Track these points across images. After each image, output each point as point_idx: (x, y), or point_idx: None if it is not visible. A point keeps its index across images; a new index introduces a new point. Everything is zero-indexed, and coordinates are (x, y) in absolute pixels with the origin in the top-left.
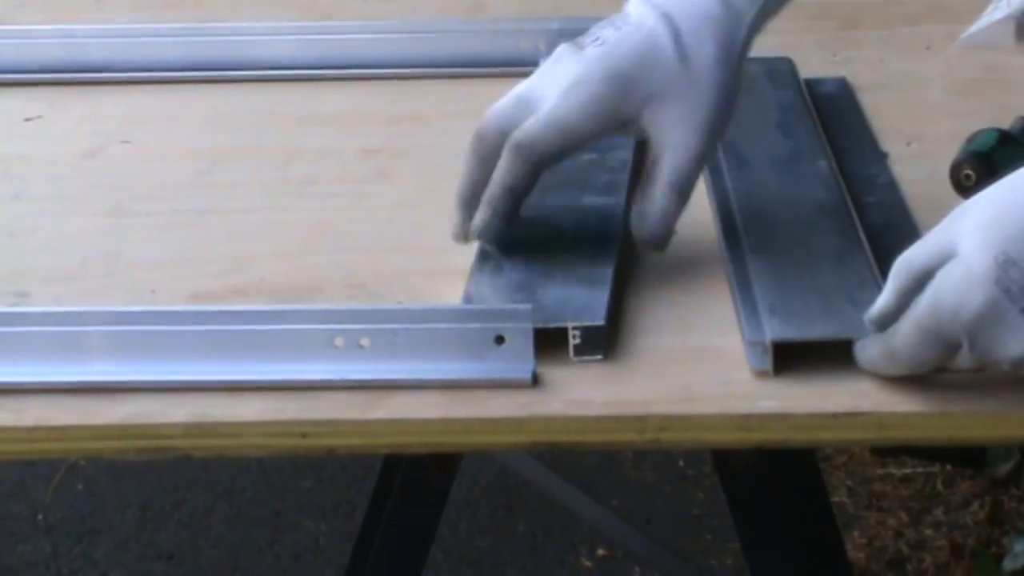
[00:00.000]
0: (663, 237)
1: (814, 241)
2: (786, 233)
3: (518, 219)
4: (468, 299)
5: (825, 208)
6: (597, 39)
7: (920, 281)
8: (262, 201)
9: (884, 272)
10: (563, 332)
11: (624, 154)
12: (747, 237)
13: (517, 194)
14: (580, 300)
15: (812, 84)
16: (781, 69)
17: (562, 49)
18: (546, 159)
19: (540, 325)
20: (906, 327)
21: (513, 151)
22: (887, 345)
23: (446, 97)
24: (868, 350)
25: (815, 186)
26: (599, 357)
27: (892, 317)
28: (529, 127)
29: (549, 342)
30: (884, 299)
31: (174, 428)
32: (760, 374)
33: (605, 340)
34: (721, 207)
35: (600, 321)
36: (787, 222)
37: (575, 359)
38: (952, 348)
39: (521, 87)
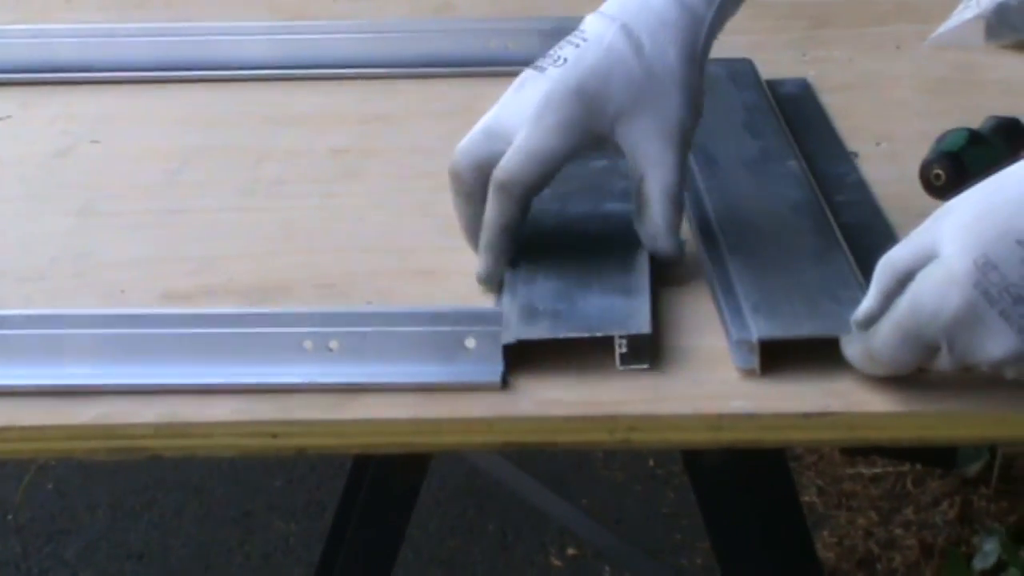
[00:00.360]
0: (678, 248)
1: (792, 240)
2: (763, 233)
3: (543, 227)
4: (502, 309)
5: (799, 207)
6: (558, 59)
7: (902, 282)
8: (232, 201)
9: (863, 270)
10: (540, 339)
11: None
12: (724, 237)
13: (512, 231)
14: (622, 308)
15: (772, 85)
16: (742, 70)
17: (525, 74)
18: (531, 191)
19: (586, 334)
20: (885, 328)
21: (498, 192)
22: (867, 346)
23: (415, 97)
24: (851, 348)
25: (788, 186)
26: (645, 366)
27: (877, 318)
28: (507, 164)
29: (522, 347)
30: (869, 301)
31: (144, 428)
32: (746, 373)
33: (651, 348)
34: (695, 208)
35: (646, 329)
36: (763, 222)
37: (621, 368)
38: (931, 350)
39: (487, 118)
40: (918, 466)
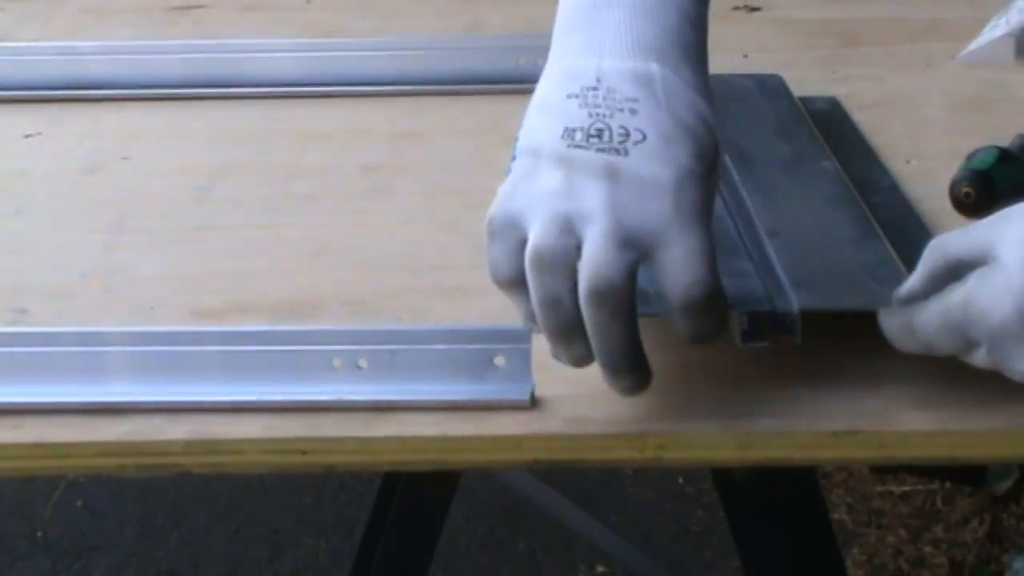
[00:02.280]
0: (709, 338)
1: (829, 228)
2: (801, 221)
3: None
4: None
5: (836, 201)
6: (624, 135)
7: (951, 270)
8: (262, 218)
9: (902, 258)
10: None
11: None
12: (761, 224)
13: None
14: (741, 286)
15: (803, 102)
16: (773, 85)
17: (603, 160)
18: None
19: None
20: (933, 311)
21: (709, 306)
22: (909, 320)
23: (446, 114)
24: (889, 320)
25: (823, 182)
26: (765, 344)
27: (919, 298)
28: (700, 276)
29: (547, 359)
30: (914, 280)
31: (174, 445)
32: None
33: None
34: (732, 201)
35: (766, 307)
36: (800, 212)
37: (741, 345)
38: (970, 345)
39: (610, 227)
40: (948, 484)
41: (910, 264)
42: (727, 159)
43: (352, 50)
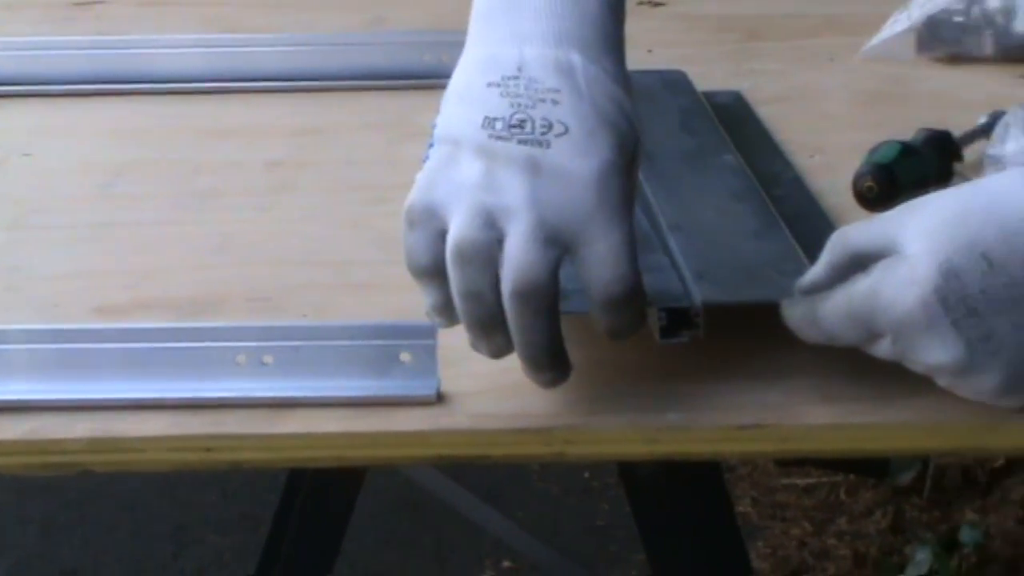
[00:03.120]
0: (627, 334)
1: (732, 221)
2: (703, 215)
3: None
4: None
5: (738, 195)
6: (547, 126)
7: (854, 261)
8: (166, 214)
9: (805, 251)
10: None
11: None
12: (664, 218)
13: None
14: (655, 282)
15: (707, 96)
16: (676, 79)
17: (523, 152)
18: None
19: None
20: (837, 301)
21: (626, 306)
22: (813, 310)
23: (349, 109)
24: (792, 309)
25: (726, 176)
26: (685, 340)
27: (821, 288)
28: (620, 273)
29: (452, 355)
30: (816, 269)
31: (77, 443)
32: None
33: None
34: (637, 197)
35: (686, 303)
36: (703, 206)
37: (661, 342)
38: (874, 336)
39: (534, 224)
40: (851, 476)
41: (813, 257)
42: None
43: (254, 46)
